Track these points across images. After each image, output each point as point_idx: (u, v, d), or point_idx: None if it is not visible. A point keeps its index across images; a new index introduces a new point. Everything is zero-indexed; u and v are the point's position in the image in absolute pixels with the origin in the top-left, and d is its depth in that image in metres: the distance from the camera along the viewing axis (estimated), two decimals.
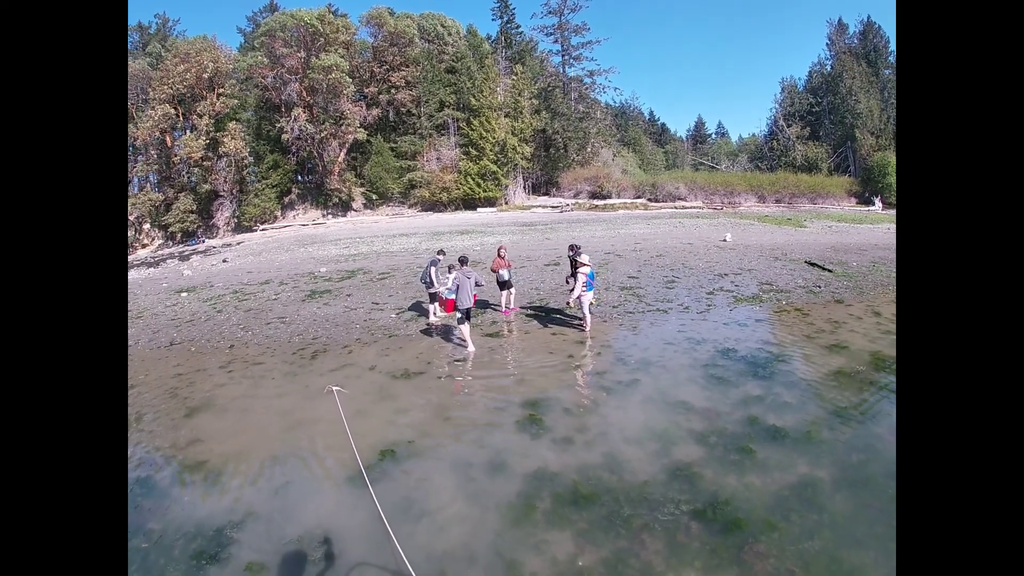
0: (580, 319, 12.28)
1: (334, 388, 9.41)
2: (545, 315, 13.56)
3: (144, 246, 48.21)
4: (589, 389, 9.28)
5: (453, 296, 12.12)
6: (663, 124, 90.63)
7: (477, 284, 11.75)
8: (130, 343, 14.91)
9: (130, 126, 46.63)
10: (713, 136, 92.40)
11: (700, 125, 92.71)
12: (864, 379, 9.53)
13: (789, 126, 58.67)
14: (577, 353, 10.95)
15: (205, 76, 45.14)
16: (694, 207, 45.65)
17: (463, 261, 12.09)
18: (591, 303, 12.12)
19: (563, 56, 55.46)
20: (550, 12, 54.55)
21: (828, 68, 61.33)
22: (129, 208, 47.67)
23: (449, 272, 12.77)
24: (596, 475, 6.47)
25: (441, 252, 13.84)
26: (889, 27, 61.88)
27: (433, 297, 13.47)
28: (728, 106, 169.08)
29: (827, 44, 63.12)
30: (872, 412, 8.34)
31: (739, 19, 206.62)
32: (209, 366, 12.17)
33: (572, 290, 11.94)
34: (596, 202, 46.06)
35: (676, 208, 44.93)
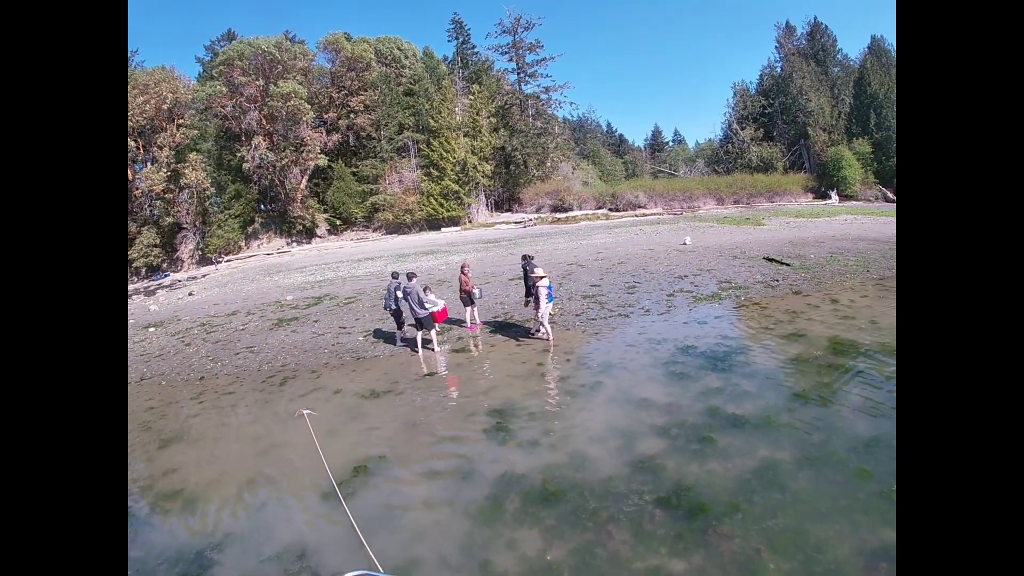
0: (541, 331, 12.49)
1: (305, 412, 9.55)
2: (510, 328, 13.80)
3: None
4: (553, 394, 9.54)
5: (436, 309, 12.83)
6: (621, 135, 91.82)
7: (422, 299, 12.50)
8: None
9: None
10: (670, 143, 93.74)
11: (657, 134, 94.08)
12: (822, 363, 9.89)
13: (743, 128, 59.80)
14: (541, 362, 11.22)
15: (164, 107, 44.51)
16: (654, 214, 46.34)
17: (410, 276, 12.89)
18: (550, 313, 12.39)
19: (519, 74, 55.99)
20: (504, 31, 55.14)
21: (778, 70, 62.53)
22: None
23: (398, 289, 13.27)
24: (561, 474, 6.71)
25: (396, 275, 13.77)
26: (835, 26, 63.76)
27: (400, 319, 13.54)
28: (683, 114, 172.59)
29: (776, 47, 64.51)
30: (831, 393, 8.69)
31: (689, 29, 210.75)
32: (180, 398, 12.13)
33: (538, 309, 12.17)
34: (558, 215, 46.45)
35: (637, 216, 45.59)
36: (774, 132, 60.36)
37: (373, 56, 51.51)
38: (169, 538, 6.63)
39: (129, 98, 44.16)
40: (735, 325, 12.76)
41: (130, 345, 18.15)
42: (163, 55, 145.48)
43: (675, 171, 69.85)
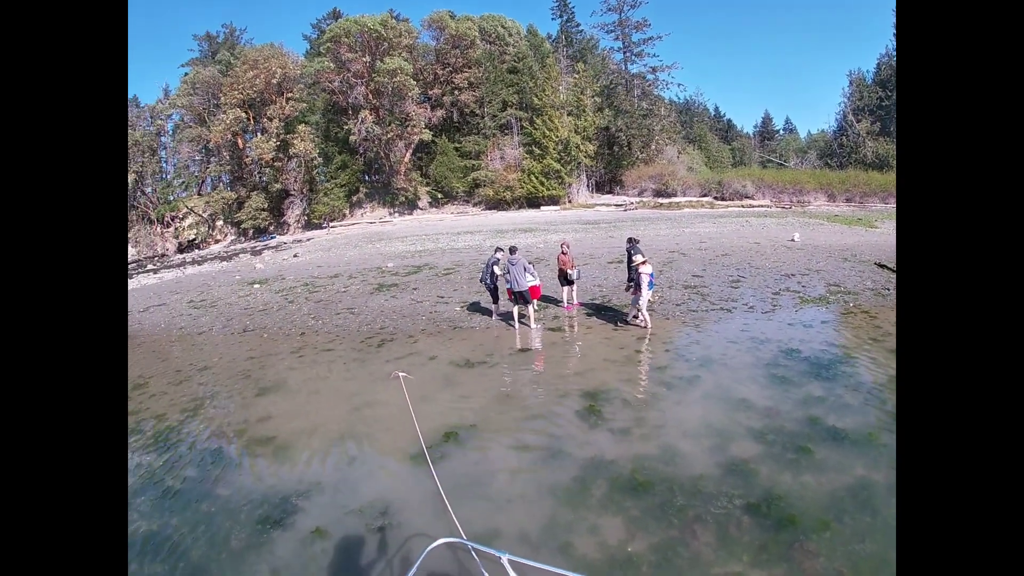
0: (639, 317, 12.24)
1: (400, 374, 9.83)
2: (607, 311, 13.62)
3: (217, 241, 50.98)
4: (648, 383, 9.34)
5: (537, 282, 12.93)
6: (729, 120, 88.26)
7: (526, 271, 12.49)
8: (205, 329, 15.95)
9: (202, 129, 49.67)
10: (781, 132, 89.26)
11: (767, 121, 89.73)
12: None
13: (859, 121, 55.66)
14: (638, 349, 11.00)
15: (274, 81, 47.08)
16: (762, 206, 44.30)
17: (512, 251, 12.85)
18: (649, 300, 12.13)
19: (624, 53, 54.76)
20: (610, 9, 53.96)
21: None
22: (203, 206, 50.45)
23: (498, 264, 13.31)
24: (651, 466, 6.55)
25: (499, 249, 13.82)
26: None
27: (495, 294, 13.52)
28: (795, 101, 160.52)
29: (894, 33, 59.80)
30: None
31: (803, 10, 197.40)
32: (280, 351, 12.80)
33: (638, 295, 11.86)
34: (661, 200, 45.44)
35: (743, 207, 43.76)
36: (891, 127, 55.29)
37: (477, 34, 51.98)
38: (256, 481, 7.02)
39: (240, 73, 47.03)
40: (842, 333, 12.02)
41: (234, 299, 19.40)
42: (270, 33, 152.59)
43: (785, 162, 66.64)
